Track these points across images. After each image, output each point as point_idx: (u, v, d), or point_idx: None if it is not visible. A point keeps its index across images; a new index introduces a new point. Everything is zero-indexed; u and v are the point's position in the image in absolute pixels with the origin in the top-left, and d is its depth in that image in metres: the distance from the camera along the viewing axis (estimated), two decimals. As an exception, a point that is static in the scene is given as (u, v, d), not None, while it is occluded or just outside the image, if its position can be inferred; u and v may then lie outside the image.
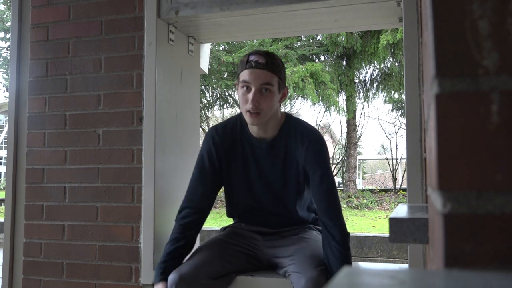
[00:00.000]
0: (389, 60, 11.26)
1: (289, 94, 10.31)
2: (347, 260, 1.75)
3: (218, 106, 13.40)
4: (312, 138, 1.86)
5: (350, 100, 11.72)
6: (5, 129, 18.21)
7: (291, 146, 1.87)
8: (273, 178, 1.91)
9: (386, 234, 6.39)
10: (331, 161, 14.31)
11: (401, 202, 10.62)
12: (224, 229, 2.09)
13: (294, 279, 1.72)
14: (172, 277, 1.74)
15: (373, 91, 12.17)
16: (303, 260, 1.76)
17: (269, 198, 1.94)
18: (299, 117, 2.03)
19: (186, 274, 1.73)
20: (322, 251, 1.83)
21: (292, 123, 1.91)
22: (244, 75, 1.79)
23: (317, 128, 14.27)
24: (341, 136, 14.35)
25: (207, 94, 12.35)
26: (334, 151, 16.15)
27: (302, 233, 1.97)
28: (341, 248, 1.74)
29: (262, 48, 10.62)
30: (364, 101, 12.36)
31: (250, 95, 1.77)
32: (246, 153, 1.91)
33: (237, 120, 1.95)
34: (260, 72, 1.77)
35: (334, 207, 1.82)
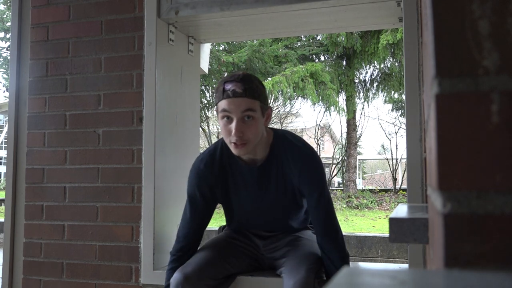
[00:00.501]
0: (389, 60, 11.26)
1: (289, 94, 10.30)
2: None
3: (218, 106, 13.39)
4: (304, 159, 1.75)
5: (350, 100, 11.73)
6: (5, 129, 18.21)
7: (283, 168, 1.77)
8: (268, 201, 1.84)
9: (386, 234, 6.39)
10: (331, 162, 14.30)
11: (401, 202, 10.62)
12: (223, 228, 2.09)
13: (284, 280, 1.74)
14: (177, 275, 1.71)
15: (373, 91, 12.18)
16: (293, 261, 1.78)
17: (266, 219, 1.92)
18: (287, 129, 1.95)
19: (190, 274, 1.71)
20: (315, 249, 1.84)
21: (281, 142, 1.79)
22: (223, 104, 1.64)
23: (317, 128, 14.26)
24: (341, 136, 14.36)
25: (207, 94, 12.36)
26: (334, 151, 16.15)
27: (297, 232, 1.98)
28: None
29: (263, 48, 10.62)
30: (364, 101, 12.37)
31: (233, 126, 1.63)
32: (237, 180, 1.82)
33: (222, 147, 1.82)
34: (239, 101, 1.62)
35: (331, 229, 1.78)
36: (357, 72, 11.85)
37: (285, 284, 1.71)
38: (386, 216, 9.41)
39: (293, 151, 1.76)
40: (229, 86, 1.64)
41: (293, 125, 18.29)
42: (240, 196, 1.85)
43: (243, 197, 1.85)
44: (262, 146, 1.76)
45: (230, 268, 1.86)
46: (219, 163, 1.81)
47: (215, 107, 1.73)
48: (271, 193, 1.82)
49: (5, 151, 6.32)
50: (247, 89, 1.63)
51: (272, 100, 13.13)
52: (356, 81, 11.92)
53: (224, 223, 2.11)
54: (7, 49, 14.76)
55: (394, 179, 12.82)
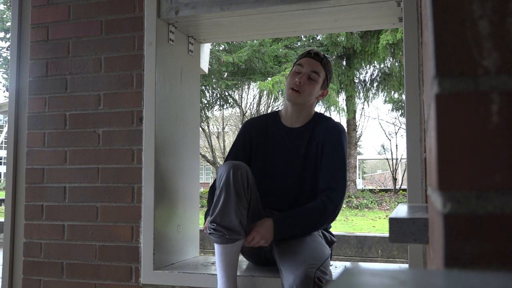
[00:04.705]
0: (389, 60, 11.26)
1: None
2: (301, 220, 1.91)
3: (218, 106, 13.41)
4: (335, 127, 2.09)
5: (350, 100, 11.73)
6: (5, 129, 18.21)
7: (316, 134, 2.08)
8: (295, 159, 2.09)
9: (386, 234, 6.38)
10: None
11: (401, 202, 10.62)
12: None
13: (284, 274, 1.74)
14: (226, 164, 1.85)
15: (373, 91, 12.18)
16: (293, 258, 1.78)
17: (288, 180, 2.08)
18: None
19: (239, 165, 1.85)
20: (319, 248, 1.84)
21: (320, 115, 2.17)
22: (301, 60, 2.11)
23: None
24: (341, 136, 14.32)
25: (207, 94, 12.36)
26: (334, 151, 16.12)
27: None
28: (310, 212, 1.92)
29: (263, 48, 10.63)
30: (364, 101, 12.37)
31: (299, 76, 2.06)
32: (274, 136, 2.16)
33: (271, 114, 2.25)
34: (313, 62, 2.08)
35: (336, 181, 1.98)
36: (357, 72, 11.85)
37: (285, 278, 1.71)
38: (386, 216, 9.41)
39: (328, 122, 2.13)
40: (314, 51, 2.12)
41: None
42: (272, 151, 2.13)
43: (275, 152, 2.12)
44: (305, 115, 2.12)
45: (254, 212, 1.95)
46: (265, 122, 2.21)
47: (292, 66, 2.15)
48: (300, 153, 2.08)
49: (5, 151, 6.32)
50: (324, 59, 2.11)
51: (272, 100, 13.13)
52: (356, 81, 11.92)
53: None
54: (7, 49, 14.76)
55: (394, 179, 12.82)
